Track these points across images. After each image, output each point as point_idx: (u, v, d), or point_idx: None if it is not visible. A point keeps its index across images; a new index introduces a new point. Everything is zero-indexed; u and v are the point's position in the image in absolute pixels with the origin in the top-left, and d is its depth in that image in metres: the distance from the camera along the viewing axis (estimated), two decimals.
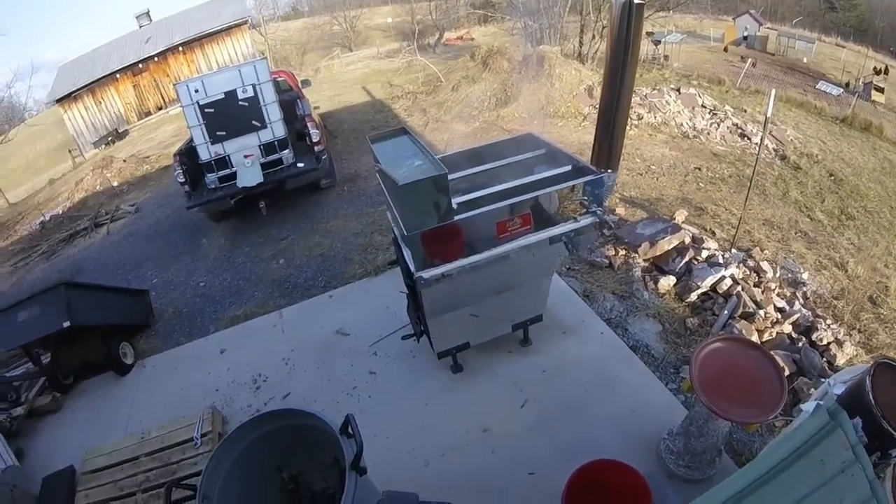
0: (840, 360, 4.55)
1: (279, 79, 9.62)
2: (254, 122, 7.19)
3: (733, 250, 5.91)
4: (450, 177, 3.06)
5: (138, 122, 23.31)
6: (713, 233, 6.87)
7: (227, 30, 23.74)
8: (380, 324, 4.94)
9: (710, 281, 4.89)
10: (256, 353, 5.03)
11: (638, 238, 5.60)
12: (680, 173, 9.46)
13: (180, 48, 23.12)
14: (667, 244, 5.33)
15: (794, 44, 29.55)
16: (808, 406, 2.01)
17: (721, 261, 5.24)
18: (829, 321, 5.00)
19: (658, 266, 5.40)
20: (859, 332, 5.40)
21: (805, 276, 6.01)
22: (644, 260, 5.44)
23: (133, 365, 5.31)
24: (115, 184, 13.48)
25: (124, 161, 14.80)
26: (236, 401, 4.54)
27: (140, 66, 22.81)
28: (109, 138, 21.82)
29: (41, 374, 4.93)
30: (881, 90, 23.19)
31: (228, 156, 7.27)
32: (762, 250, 6.41)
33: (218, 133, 7.13)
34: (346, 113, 13.91)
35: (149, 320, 6.01)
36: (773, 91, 5.87)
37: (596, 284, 5.19)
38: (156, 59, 22.89)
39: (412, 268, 2.98)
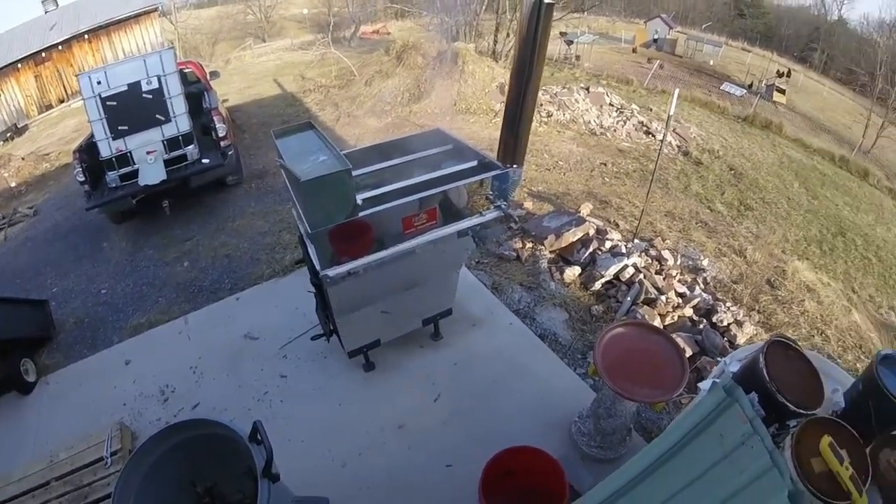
0: (741, 340, 4.85)
1: (186, 70, 9.13)
2: (157, 116, 6.76)
3: (636, 240, 6.21)
4: (356, 172, 3.02)
5: (39, 116, 21.28)
6: (617, 225, 7.18)
7: (136, 17, 22.16)
8: (289, 325, 4.79)
9: (613, 270, 5.11)
10: (163, 363, 4.76)
11: (544, 231, 5.76)
12: (586, 168, 9.85)
13: (86, 36, 21.35)
14: (572, 236, 5.53)
15: (702, 47, 31.55)
16: (705, 384, 2.12)
17: (624, 251, 5.49)
18: (728, 304, 5.34)
19: (564, 257, 5.58)
20: (758, 312, 5.81)
21: (705, 262, 6.39)
22: (550, 252, 5.61)
23: (36, 382, 4.87)
24: (13, 184, 12.35)
25: (23, 159, 13.57)
26: (145, 415, 4.30)
27: (43, 55, 20.85)
28: (8, 134, 19.79)
29: None
30: (782, 91, 25.26)
31: (130, 152, 6.78)
32: (664, 240, 6.76)
33: (120, 128, 6.65)
34: (256, 106, 13.39)
35: (50, 332, 5.55)
36: (676, 90, 6.22)
37: (504, 277, 5.29)
38: (60, 47, 20.99)
39: (317, 266, 2.91)
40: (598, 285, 5.11)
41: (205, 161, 7.09)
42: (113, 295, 6.20)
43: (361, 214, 2.82)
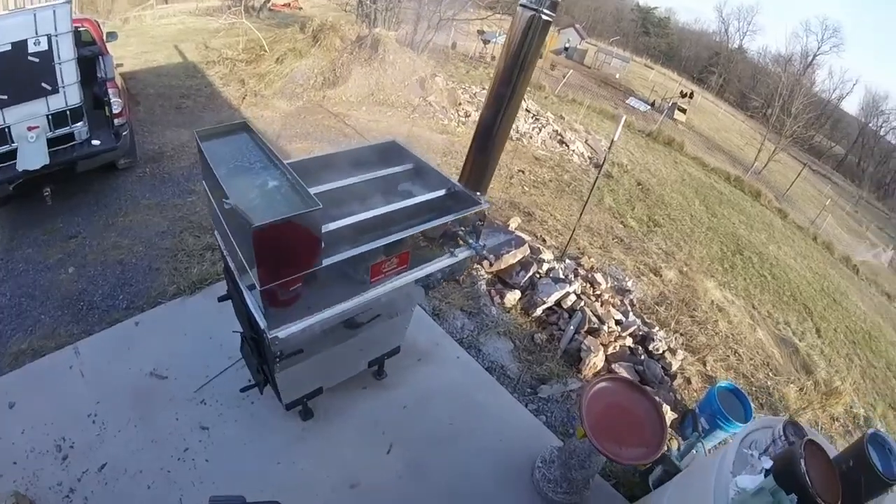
0: (674, 366, 5.06)
1: (81, 28, 7.74)
2: (43, 85, 5.50)
3: (566, 260, 6.21)
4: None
5: None
6: (544, 240, 7.21)
7: None
8: (203, 359, 4.11)
9: (555, 297, 5.02)
10: (55, 407, 3.84)
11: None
12: (505, 175, 9.80)
13: None
14: (511, 258, 5.37)
15: (611, 60, 33.23)
16: (744, 482, 2.03)
17: (561, 274, 5.43)
18: (659, 331, 5.48)
19: (502, 279, 5.41)
20: (681, 335, 6.09)
21: (629, 283, 6.58)
22: (488, 273, 5.41)
23: None
24: None
25: None
26: (42, 477, 3.45)
27: None
28: None
29: None
30: (684, 111, 27.21)
31: (9, 127, 5.46)
32: (589, 258, 6.90)
33: None
34: (154, 75, 11.86)
35: None
36: (623, 118, 6.28)
37: (444, 301, 5.00)
38: None
39: (262, 323, 2.37)
40: (539, 311, 5.00)
41: (95, 143, 6.00)
42: None
43: (327, 262, 2.35)
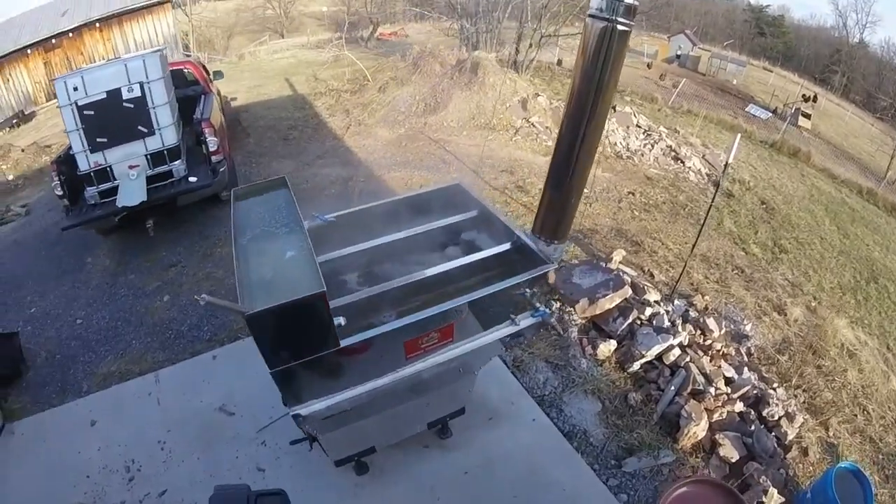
0: (790, 435, 4.23)
1: (185, 69, 8.38)
2: (140, 128, 6.01)
3: (675, 302, 5.48)
4: (349, 250, 2.26)
5: (46, 103, 20.70)
6: (651, 275, 6.48)
7: (149, 7, 21.57)
8: (271, 397, 3.98)
9: (655, 350, 4.36)
10: (130, 430, 4.12)
11: (575, 290, 5.01)
12: (614, 199, 9.07)
13: (97, 24, 20.76)
14: (608, 302, 4.77)
15: (726, 65, 30.68)
16: None
17: (666, 322, 4.74)
18: (777, 388, 4.65)
19: (597, 325, 4.83)
20: (804, 391, 5.20)
21: (748, 327, 5.74)
22: (582, 318, 4.86)
23: (2, 428, 4.34)
24: (10, 177, 11.80)
25: (23, 150, 12.95)
26: (108, 495, 3.71)
27: (53, 41, 20.22)
28: (14, 121, 19.13)
29: None
30: (808, 116, 24.37)
31: (110, 166, 6.07)
32: (703, 296, 6.09)
33: (99, 140, 5.92)
34: (265, 107, 12.68)
35: (20, 368, 5.00)
36: (738, 136, 5.56)
37: (527, 350, 4.52)
38: (70, 34, 20.38)
39: (283, 400, 2.15)
40: (636, 366, 4.37)
41: (192, 179, 6.35)
42: (88, 327, 5.61)
43: (346, 343, 2.06)
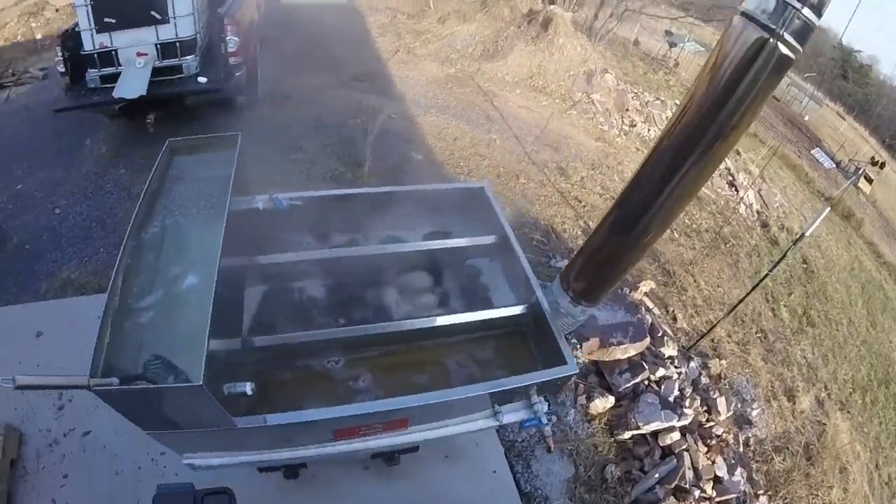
0: None
1: None
2: (153, 14, 5.39)
3: (691, 364, 4.91)
4: (312, 255, 1.67)
5: None
6: (675, 318, 5.89)
7: None
8: None
9: (654, 426, 3.80)
10: (73, 354, 3.67)
11: (588, 324, 4.36)
12: None
13: None
14: (621, 352, 4.16)
15: (804, 99, 28.84)
16: None
17: (675, 392, 4.17)
18: (761, 496, 4.20)
19: (600, 371, 4.25)
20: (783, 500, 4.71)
21: (755, 412, 5.26)
22: (587, 357, 4.26)
23: None
24: (39, 36, 11.16)
25: (57, 10, 12.16)
26: (37, 418, 3.58)
27: None
28: None
29: None
30: (870, 181, 22.90)
31: (116, 50, 5.51)
32: (720, 360, 5.56)
33: (106, 20, 5.36)
34: (314, 12, 11.63)
35: None
36: (827, 209, 4.86)
37: None
38: None
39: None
40: (627, 435, 3.83)
41: (201, 80, 5.71)
42: (63, 220, 5.32)
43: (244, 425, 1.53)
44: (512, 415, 1.93)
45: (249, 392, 1.56)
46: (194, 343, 1.42)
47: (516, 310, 2.01)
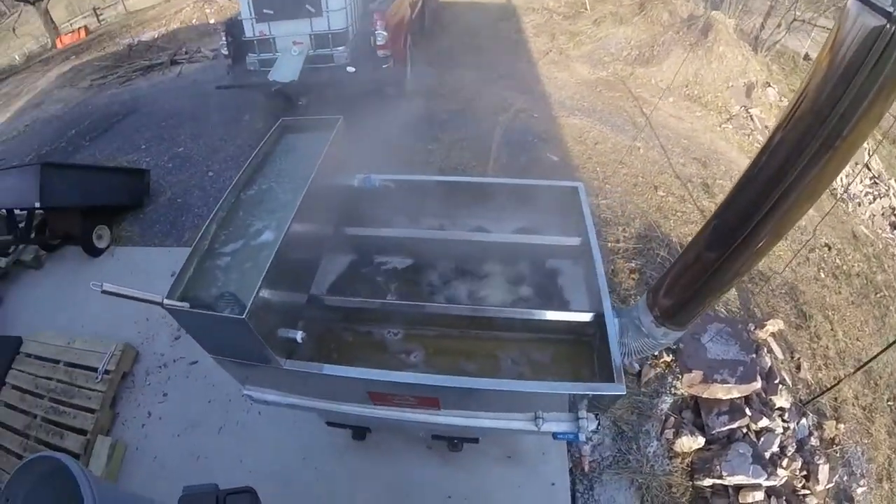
0: None
1: None
2: (307, 7, 5.96)
3: (803, 420, 4.37)
4: (391, 233, 1.78)
5: None
6: (798, 367, 5.24)
7: None
8: None
9: (737, 480, 3.45)
10: None
11: (695, 355, 4.07)
12: (806, 244, 7.34)
13: None
14: (724, 392, 3.82)
15: None
16: None
17: (774, 447, 3.75)
18: None
19: (697, 406, 3.94)
20: None
21: (860, 490, 4.53)
22: (685, 389, 3.97)
23: (107, 248, 5.13)
24: (212, 21, 12.72)
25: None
26: (155, 342, 4.19)
27: None
28: None
29: (15, 241, 4.81)
30: None
31: (274, 38, 6.26)
32: (838, 424, 4.84)
33: (265, 11, 6.10)
34: (470, 9, 12.01)
35: (142, 201, 5.73)
36: None
37: None
38: None
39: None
40: (706, 483, 3.52)
41: (350, 69, 6.17)
42: (214, 182, 6.08)
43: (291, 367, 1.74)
44: (554, 424, 1.87)
45: (299, 339, 1.74)
46: (252, 286, 1.64)
47: (582, 317, 1.94)
